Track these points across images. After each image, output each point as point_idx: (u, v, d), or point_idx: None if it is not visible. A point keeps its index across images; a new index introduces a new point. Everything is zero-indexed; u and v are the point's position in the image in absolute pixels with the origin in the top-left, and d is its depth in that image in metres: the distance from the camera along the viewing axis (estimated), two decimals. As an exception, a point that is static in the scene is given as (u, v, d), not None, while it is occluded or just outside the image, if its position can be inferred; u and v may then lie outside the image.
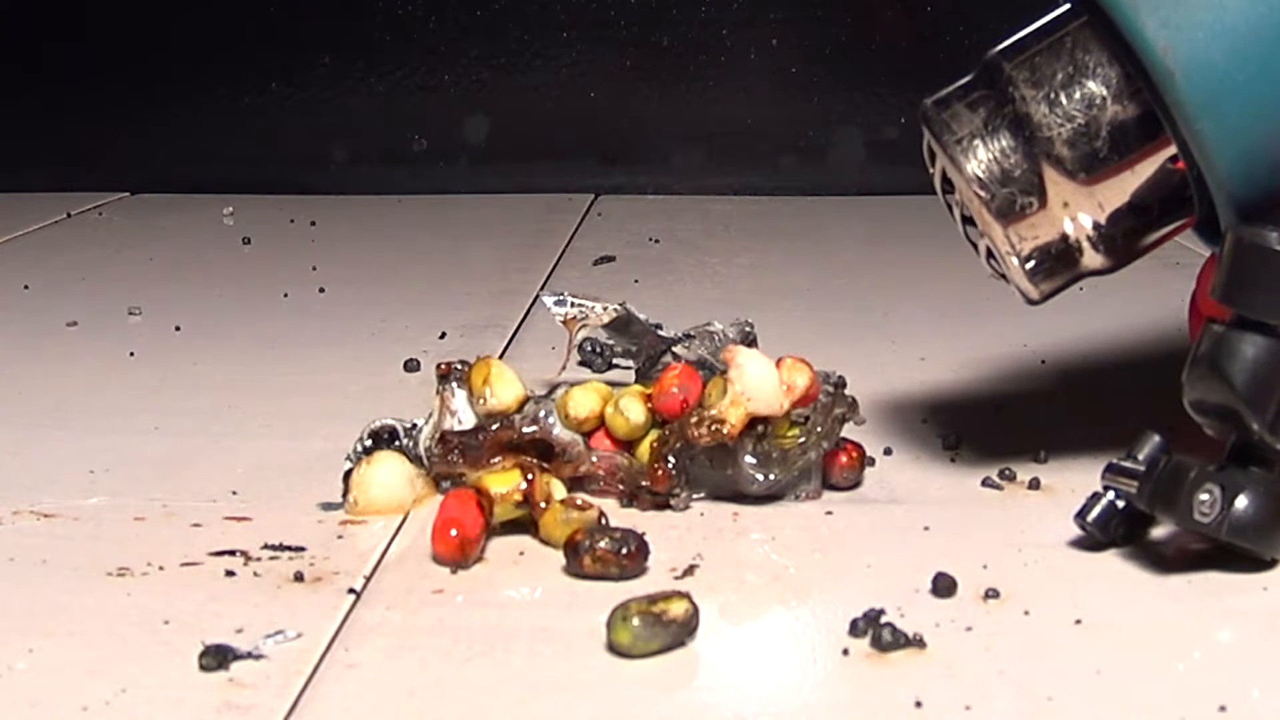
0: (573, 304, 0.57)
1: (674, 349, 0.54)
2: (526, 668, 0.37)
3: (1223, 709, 0.34)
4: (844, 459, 0.48)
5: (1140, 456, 0.42)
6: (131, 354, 0.67)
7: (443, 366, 0.48)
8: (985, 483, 0.49)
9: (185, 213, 1.05)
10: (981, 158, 0.45)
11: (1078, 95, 0.44)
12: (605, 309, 0.56)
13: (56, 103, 1.16)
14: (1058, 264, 0.46)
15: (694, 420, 0.46)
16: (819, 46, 1.12)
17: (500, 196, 1.12)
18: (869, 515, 0.47)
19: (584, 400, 0.47)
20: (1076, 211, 0.45)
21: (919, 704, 0.34)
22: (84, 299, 0.80)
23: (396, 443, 0.48)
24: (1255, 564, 0.41)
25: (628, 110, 1.13)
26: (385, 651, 0.38)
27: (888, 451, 0.52)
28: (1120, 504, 0.42)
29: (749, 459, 0.46)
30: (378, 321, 0.74)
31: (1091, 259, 0.46)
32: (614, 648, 0.37)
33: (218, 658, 0.37)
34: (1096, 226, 0.45)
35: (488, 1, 1.13)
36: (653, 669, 0.37)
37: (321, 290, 0.81)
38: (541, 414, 0.47)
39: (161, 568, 0.43)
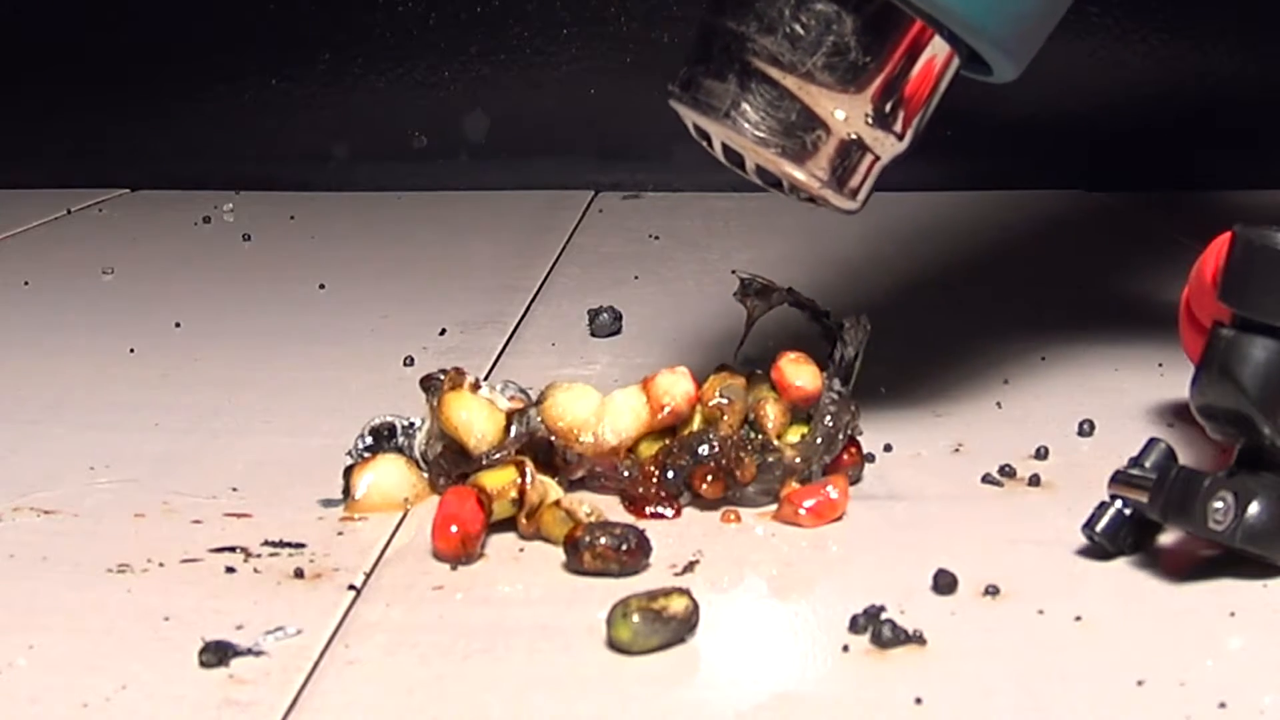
0: (755, 286, 0.59)
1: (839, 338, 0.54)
2: (526, 664, 0.37)
3: (1223, 706, 0.34)
4: (844, 456, 0.48)
5: (1148, 464, 0.42)
6: (132, 350, 0.67)
7: (425, 380, 0.48)
8: (985, 479, 0.49)
9: (185, 209, 1.05)
10: (753, 118, 0.45)
11: (812, 22, 0.44)
12: (775, 293, 0.59)
13: (56, 99, 1.16)
14: (855, 166, 0.47)
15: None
16: (819, 43, 1.12)
17: (500, 193, 1.12)
18: (869, 511, 0.47)
19: (571, 407, 0.47)
20: (851, 114, 0.46)
21: (919, 701, 0.34)
22: (84, 296, 0.80)
23: (395, 440, 0.48)
24: (1255, 561, 0.41)
25: (628, 107, 1.13)
26: (385, 648, 0.38)
27: (888, 448, 0.52)
28: (1128, 512, 0.42)
29: None
30: (378, 318, 0.74)
31: (883, 146, 0.47)
32: (614, 644, 0.37)
33: (218, 654, 0.37)
34: (868, 116, 0.46)
35: (488, -2, 1.13)
36: (653, 665, 0.37)
37: (322, 287, 0.81)
38: (536, 421, 0.47)
39: (161, 564, 0.43)
